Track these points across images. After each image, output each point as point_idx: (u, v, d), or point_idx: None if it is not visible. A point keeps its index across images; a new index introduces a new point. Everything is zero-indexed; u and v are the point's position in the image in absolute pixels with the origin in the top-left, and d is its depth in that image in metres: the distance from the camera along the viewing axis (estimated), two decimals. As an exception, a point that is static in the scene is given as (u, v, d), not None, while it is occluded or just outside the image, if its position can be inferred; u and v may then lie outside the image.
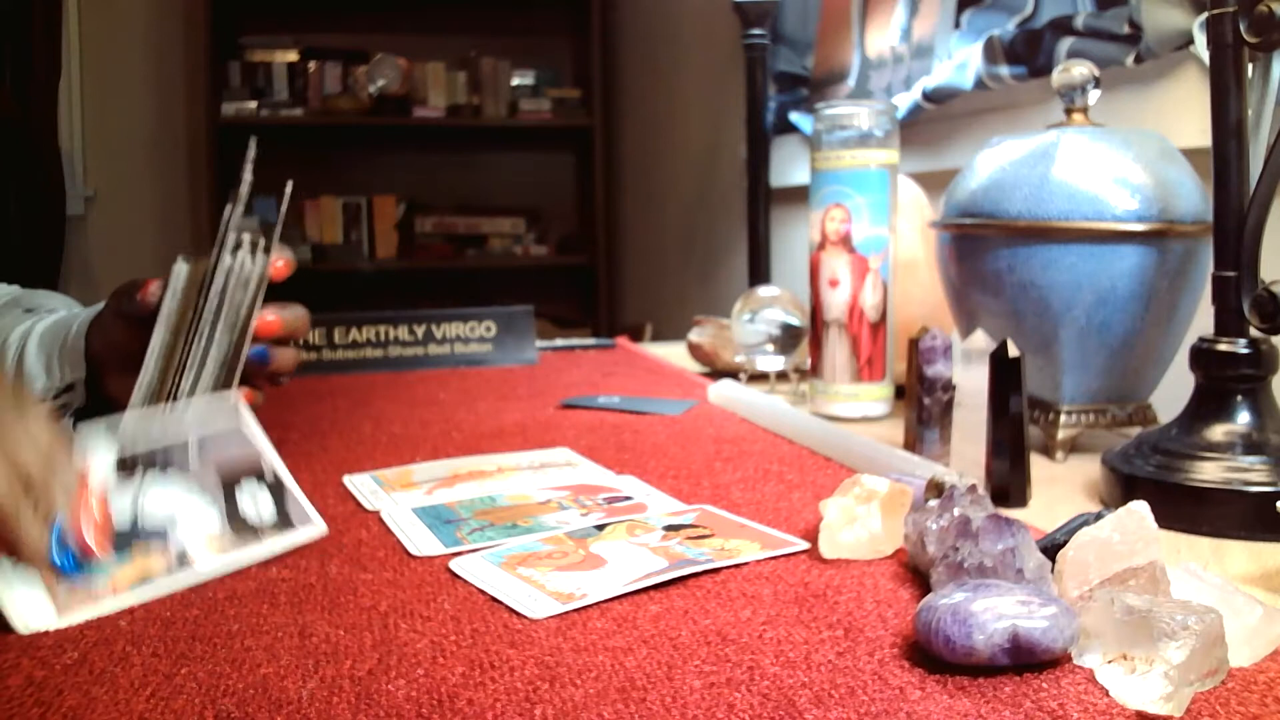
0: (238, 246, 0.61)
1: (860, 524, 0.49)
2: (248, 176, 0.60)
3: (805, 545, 0.50)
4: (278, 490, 0.50)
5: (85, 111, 3.14)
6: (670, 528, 0.53)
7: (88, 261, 3.16)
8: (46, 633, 0.41)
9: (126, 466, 0.49)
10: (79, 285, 3.01)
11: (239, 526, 0.48)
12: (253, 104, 3.06)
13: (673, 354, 1.20)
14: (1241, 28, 0.53)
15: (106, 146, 3.18)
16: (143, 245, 3.24)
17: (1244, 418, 0.56)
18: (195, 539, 0.47)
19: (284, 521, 0.49)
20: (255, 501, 0.49)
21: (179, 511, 0.48)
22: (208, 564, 0.46)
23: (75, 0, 3.08)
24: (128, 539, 0.46)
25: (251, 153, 0.59)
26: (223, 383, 0.59)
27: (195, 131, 3.21)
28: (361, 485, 0.63)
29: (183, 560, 0.46)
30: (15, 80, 2.81)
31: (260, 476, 0.51)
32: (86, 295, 0.92)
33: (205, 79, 3.03)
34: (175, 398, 0.57)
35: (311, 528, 0.50)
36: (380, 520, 0.56)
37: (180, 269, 0.61)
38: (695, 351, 1.11)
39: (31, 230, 2.83)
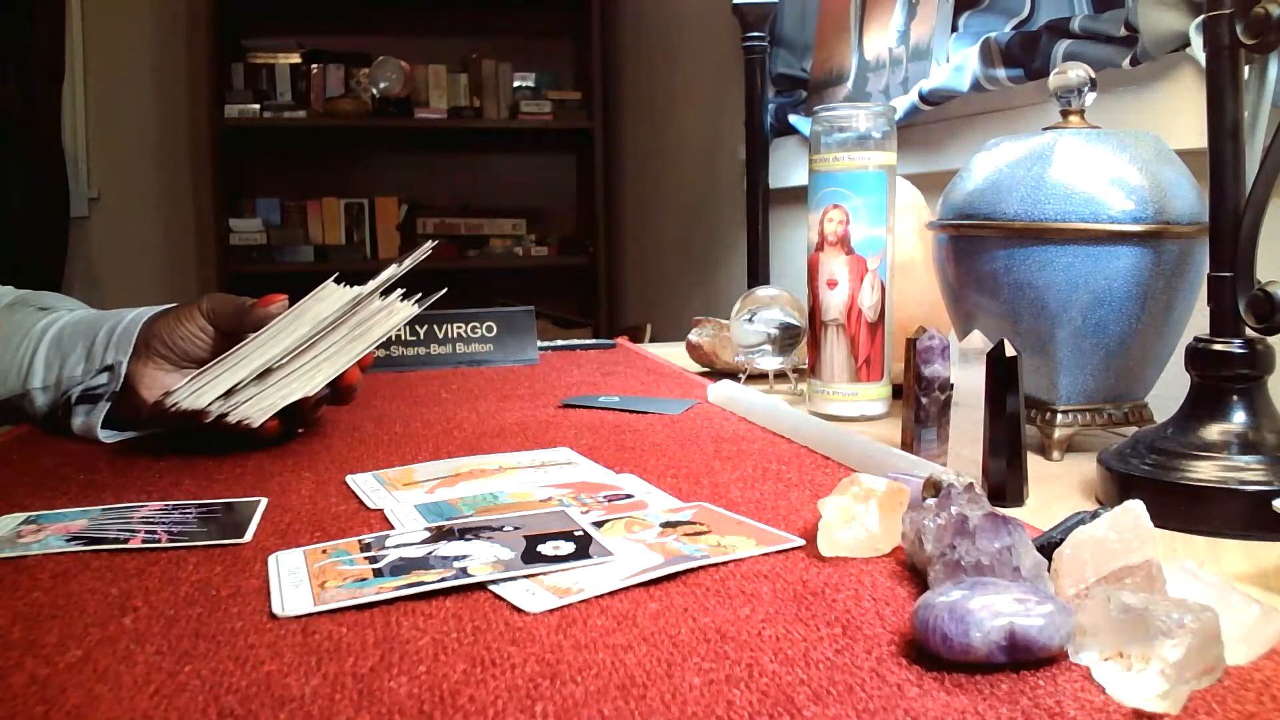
0: (388, 292, 0.74)
1: (858, 522, 0.49)
2: (411, 264, 0.74)
3: (800, 541, 0.50)
4: (584, 541, 0.50)
5: (89, 113, 3.15)
6: (667, 524, 0.53)
7: (91, 263, 3.17)
8: (49, 631, 0.41)
9: (443, 534, 0.51)
10: (82, 286, 3.02)
11: (533, 558, 0.48)
12: (255, 106, 3.07)
13: (672, 354, 1.21)
14: (1238, 30, 0.53)
15: (110, 148, 3.18)
16: (146, 247, 3.25)
17: (1239, 417, 0.56)
18: (480, 563, 0.47)
19: (581, 555, 0.48)
20: (557, 549, 0.49)
21: (473, 549, 0.49)
22: (486, 576, 0.45)
23: (79, 2, 3.09)
24: (410, 567, 0.46)
25: (423, 254, 0.74)
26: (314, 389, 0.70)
27: (198, 133, 3.21)
28: (364, 484, 0.63)
29: (462, 574, 0.46)
30: (19, 82, 2.81)
31: (569, 536, 0.50)
32: (90, 296, 0.93)
33: (208, 81, 3.04)
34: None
35: (609, 558, 0.48)
36: (384, 518, 0.56)
37: (331, 287, 0.73)
38: (695, 352, 1.11)
39: (35, 231, 2.84)
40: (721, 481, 0.63)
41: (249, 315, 0.72)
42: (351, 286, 0.73)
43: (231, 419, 0.67)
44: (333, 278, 0.74)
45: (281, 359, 0.69)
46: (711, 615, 0.42)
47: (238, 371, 0.68)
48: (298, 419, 0.74)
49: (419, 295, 0.77)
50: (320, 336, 0.70)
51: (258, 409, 0.68)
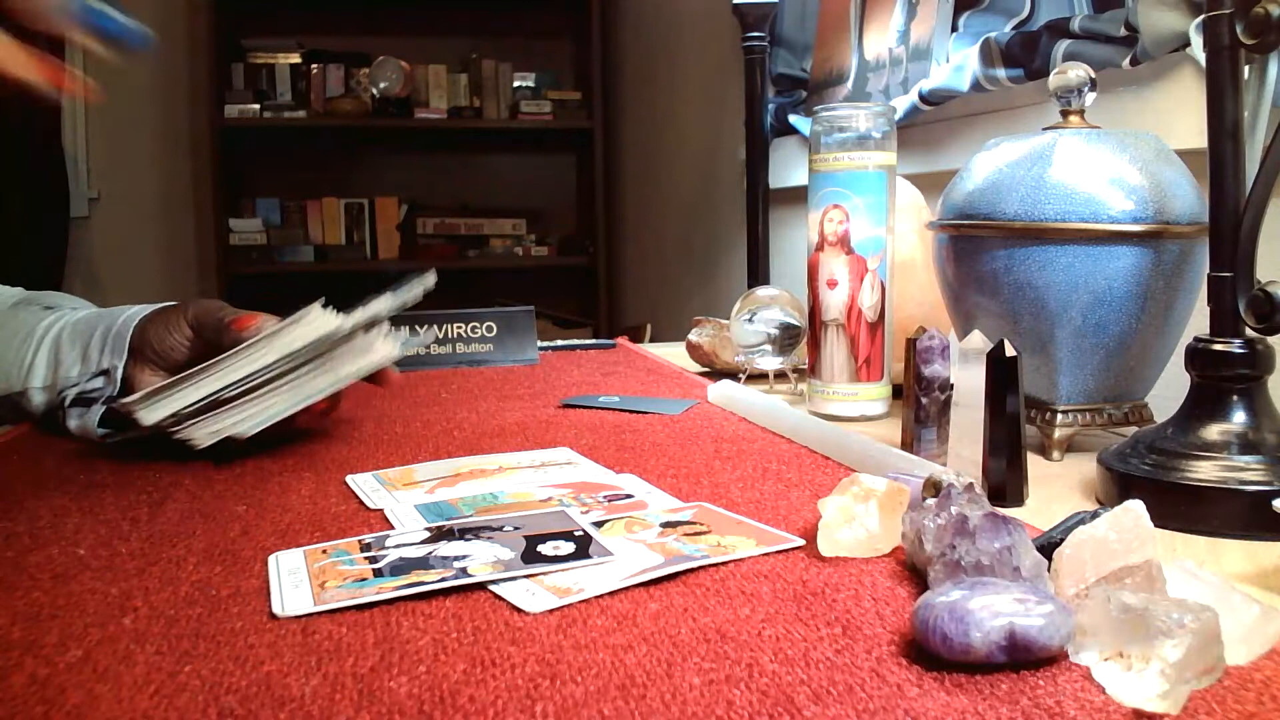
0: (371, 327, 0.72)
1: (858, 522, 0.49)
2: (417, 297, 0.73)
3: (800, 541, 0.50)
4: (584, 541, 0.50)
5: (89, 113, 3.15)
6: (667, 524, 0.53)
7: (92, 262, 3.17)
8: (49, 631, 0.41)
9: (443, 534, 0.51)
10: (82, 286, 3.01)
11: (533, 558, 0.48)
12: (255, 106, 3.07)
13: (672, 354, 1.21)
14: (1238, 30, 0.53)
15: (110, 148, 3.18)
16: (146, 246, 3.25)
17: (1239, 417, 0.56)
18: (480, 563, 0.47)
19: (581, 555, 0.48)
20: (557, 549, 0.49)
21: (473, 549, 0.49)
22: (486, 576, 0.45)
23: (77, 2, 3.08)
24: (410, 567, 0.46)
25: (427, 286, 0.73)
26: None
27: (199, 133, 3.21)
28: (364, 484, 0.63)
29: (462, 574, 0.46)
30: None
31: (569, 536, 0.50)
32: (90, 296, 0.93)
33: (208, 81, 3.04)
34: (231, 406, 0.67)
35: (609, 558, 0.48)
36: (384, 518, 0.56)
37: (315, 313, 0.70)
38: (694, 352, 1.11)
39: (36, 231, 2.84)
40: (721, 481, 0.63)
41: (226, 334, 0.71)
42: (338, 313, 0.70)
43: (179, 436, 0.67)
44: (319, 301, 0.71)
45: (235, 389, 0.67)
46: (711, 615, 0.42)
47: (192, 394, 0.67)
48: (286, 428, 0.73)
49: (406, 331, 0.76)
50: (286, 369, 0.68)
51: (204, 432, 0.67)
